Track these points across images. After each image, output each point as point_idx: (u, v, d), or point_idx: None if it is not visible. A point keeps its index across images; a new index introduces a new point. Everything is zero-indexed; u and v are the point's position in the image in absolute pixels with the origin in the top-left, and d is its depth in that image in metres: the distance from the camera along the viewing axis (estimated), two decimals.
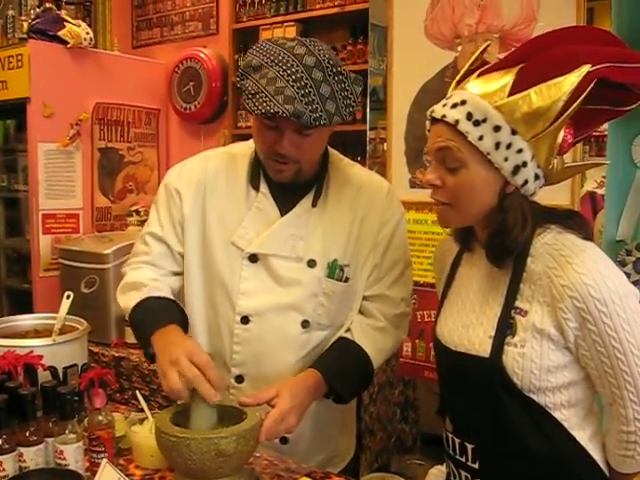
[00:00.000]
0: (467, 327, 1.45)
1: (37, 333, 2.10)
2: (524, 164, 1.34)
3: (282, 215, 1.69)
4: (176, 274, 1.77)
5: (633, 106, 1.40)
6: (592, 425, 1.42)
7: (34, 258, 3.99)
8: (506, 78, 1.34)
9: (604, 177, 2.48)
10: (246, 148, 1.78)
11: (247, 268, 1.69)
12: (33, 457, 1.48)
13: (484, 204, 1.38)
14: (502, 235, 1.37)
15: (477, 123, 1.32)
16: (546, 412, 1.36)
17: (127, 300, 1.70)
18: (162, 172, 4.61)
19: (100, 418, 1.58)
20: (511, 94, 1.32)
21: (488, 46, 1.53)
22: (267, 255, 1.67)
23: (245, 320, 1.68)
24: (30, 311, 3.36)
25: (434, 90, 2.85)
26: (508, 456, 1.39)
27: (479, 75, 1.40)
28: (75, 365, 1.92)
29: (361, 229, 1.72)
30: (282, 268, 1.68)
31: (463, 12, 2.75)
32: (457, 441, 1.47)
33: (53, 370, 1.82)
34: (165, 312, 1.64)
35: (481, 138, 1.32)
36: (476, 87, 1.38)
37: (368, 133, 3.50)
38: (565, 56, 1.31)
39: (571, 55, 1.31)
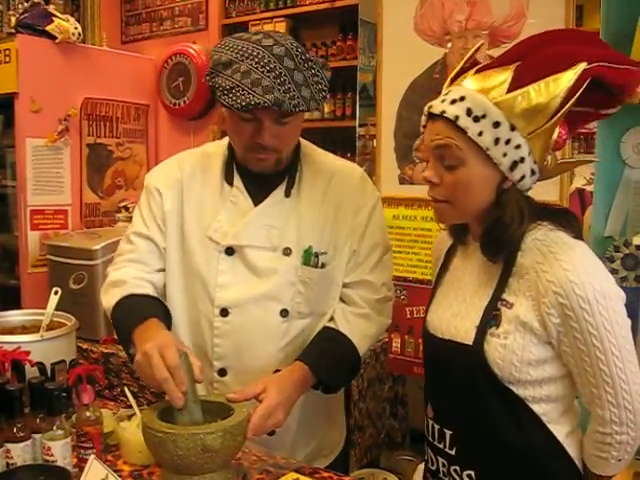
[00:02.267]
0: (455, 316, 1.47)
1: (25, 329, 2.09)
2: (522, 160, 1.35)
3: (256, 206, 1.70)
4: (162, 270, 1.78)
5: (614, 110, 1.43)
6: (570, 422, 1.44)
7: (22, 254, 3.97)
8: (504, 75, 1.35)
9: (593, 174, 2.49)
10: (219, 146, 1.81)
11: (224, 261, 1.70)
12: (20, 453, 1.48)
13: (482, 200, 1.40)
14: (499, 230, 1.39)
15: (477, 119, 1.33)
16: (524, 404, 1.38)
17: (109, 299, 1.71)
18: (151, 168, 4.55)
19: (88, 414, 1.58)
20: (510, 90, 1.33)
21: (481, 45, 1.55)
22: (243, 246, 1.69)
23: (224, 312, 1.69)
24: (18, 307, 3.33)
25: (423, 86, 2.85)
26: (484, 444, 1.41)
27: (476, 72, 1.41)
28: (63, 361, 1.91)
29: (337, 216, 1.74)
30: (258, 258, 1.69)
31: (453, 8, 2.76)
32: (437, 427, 1.49)
33: (41, 366, 1.81)
34: (146, 308, 1.64)
35: (481, 134, 1.33)
36: (474, 84, 1.39)
37: (357, 130, 3.51)
38: (562, 54, 1.33)
39: (568, 53, 1.33)
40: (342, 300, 1.78)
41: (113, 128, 4.42)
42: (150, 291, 1.71)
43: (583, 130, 3.36)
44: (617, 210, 2.36)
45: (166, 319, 1.67)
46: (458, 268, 1.56)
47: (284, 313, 1.70)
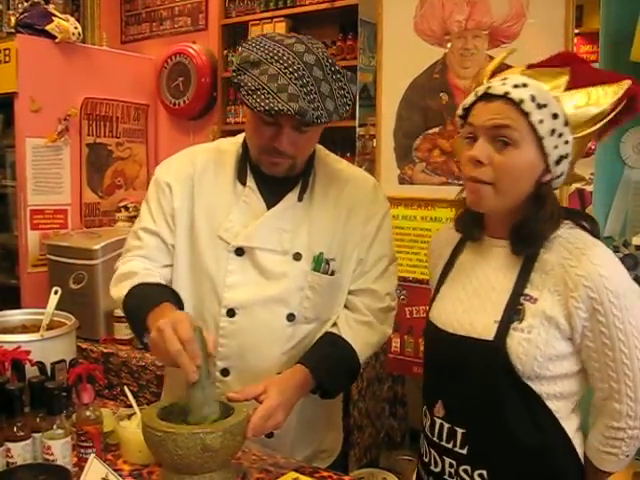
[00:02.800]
0: (469, 311, 1.47)
1: (25, 329, 2.09)
2: (567, 155, 1.39)
3: (268, 209, 1.69)
4: (169, 266, 1.76)
5: (633, 117, 1.46)
6: (577, 420, 1.45)
7: (22, 254, 3.97)
8: (561, 73, 1.40)
9: (592, 174, 2.49)
10: (233, 144, 1.79)
11: (233, 261, 1.69)
12: (21, 452, 1.48)
13: (523, 189, 1.40)
14: (533, 225, 1.39)
15: (540, 106, 1.35)
16: (541, 401, 1.38)
17: (119, 290, 1.69)
18: (151, 168, 4.60)
19: (88, 413, 1.58)
20: (568, 89, 1.38)
21: (512, 52, 1.62)
22: (253, 248, 1.68)
23: (231, 313, 1.68)
24: (18, 307, 3.33)
25: (423, 86, 2.86)
26: (497, 442, 1.41)
27: (528, 68, 1.45)
28: (63, 361, 1.91)
29: (347, 223, 1.73)
30: (268, 261, 1.68)
31: (452, 8, 2.76)
32: (446, 426, 1.47)
33: (41, 365, 1.81)
34: (159, 294, 1.61)
35: (541, 121, 1.35)
36: (532, 74, 1.42)
37: (357, 130, 3.51)
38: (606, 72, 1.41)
39: (611, 73, 1.42)
40: (346, 307, 1.77)
41: (113, 128, 4.42)
42: (160, 280, 1.70)
43: None
44: (617, 210, 2.36)
45: (179, 305, 1.64)
46: (467, 263, 1.55)
47: (291, 317, 1.69)
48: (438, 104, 2.83)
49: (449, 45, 2.78)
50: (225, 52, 4.38)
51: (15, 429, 1.48)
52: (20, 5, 4.23)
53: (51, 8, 4.07)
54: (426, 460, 1.54)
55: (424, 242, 2.81)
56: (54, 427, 1.49)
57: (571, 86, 1.38)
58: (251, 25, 4.19)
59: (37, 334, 1.94)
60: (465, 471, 1.44)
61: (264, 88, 1.49)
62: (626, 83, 1.36)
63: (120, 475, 1.45)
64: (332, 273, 1.71)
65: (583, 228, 1.43)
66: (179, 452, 1.35)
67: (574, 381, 1.41)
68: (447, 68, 2.79)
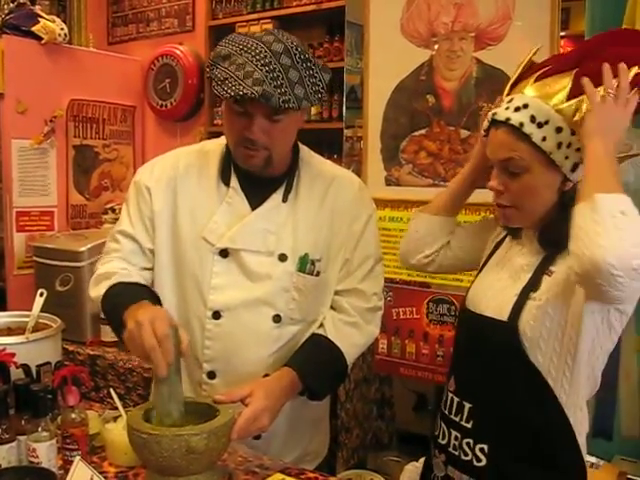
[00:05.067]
0: (498, 290, 1.53)
1: (10, 331, 2.08)
2: (582, 161, 1.40)
3: (253, 210, 1.69)
4: (147, 269, 1.76)
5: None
6: (583, 411, 1.48)
7: (8, 256, 3.94)
8: (564, 81, 1.44)
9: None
10: (217, 144, 1.79)
11: (218, 263, 1.69)
12: (5, 455, 1.47)
13: (546, 204, 1.47)
14: (561, 227, 1.39)
15: (540, 125, 1.41)
16: (548, 386, 1.42)
17: (98, 289, 1.70)
18: (138, 169, 4.57)
19: (73, 416, 1.58)
20: (570, 98, 1.41)
21: (538, 50, 1.61)
22: (238, 250, 1.68)
23: (216, 315, 1.68)
24: (4, 310, 3.33)
25: (410, 88, 2.86)
26: (501, 419, 1.47)
27: (536, 80, 1.48)
28: (49, 363, 1.91)
29: (332, 224, 1.74)
30: (253, 263, 1.68)
31: (439, 10, 2.77)
32: (456, 400, 1.55)
33: (26, 368, 1.81)
34: (137, 293, 1.62)
35: (544, 139, 1.41)
36: (535, 91, 1.47)
37: (345, 131, 3.51)
38: (617, 59, 1.39)
39: (622, 58, 1.39)
40: (332, 307, 1.77)
41: (99, 129, 4.40)
42: (140, 280, 1.70)
43: None
44: None
45: (158, 304, 1.65)
46: (505, 252, 1.61)
47: (277, 319, 1.69)
48: (424, 106, 2.83)
49: (436, 47, 2.79)
50: (211, 53, 4.35)
51: (0, 432, 1.47)
52: (6, 6, 4.19)
53: (37, 9, 4.05)
54: (436, 433, 1.62)
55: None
56: (39, 429, 1.49)
57: (574, 93, 1.41)
58: (238, 26, 4.18)
59: (22, 336, 1.93)
60: (467, 444, 1.51)
61: (232, 77, 1.52)
62: (634, 70, 1.38)
63: (106, 477, 1.45)
64: (317, 274, 1.72)
65: None
66: (164, 454, 1.35)
67: (585, 363, 1.42)
68: (434, 70, 2.79)
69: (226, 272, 1.69)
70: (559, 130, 1.41)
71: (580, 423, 1.47)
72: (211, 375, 1.72)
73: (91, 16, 4.97)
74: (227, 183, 1.71)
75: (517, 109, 1.43)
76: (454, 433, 1.55)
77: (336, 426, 2.91)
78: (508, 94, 1.54)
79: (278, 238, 1.69)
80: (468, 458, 1.51)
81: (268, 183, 1.71)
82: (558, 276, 1.42)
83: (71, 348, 3.20)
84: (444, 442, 1.58)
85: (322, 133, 3.57)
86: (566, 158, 1.42)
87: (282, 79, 1.52)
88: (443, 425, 1.59)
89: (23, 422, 1.52)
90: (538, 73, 1.49)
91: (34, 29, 3.92)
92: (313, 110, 3.92)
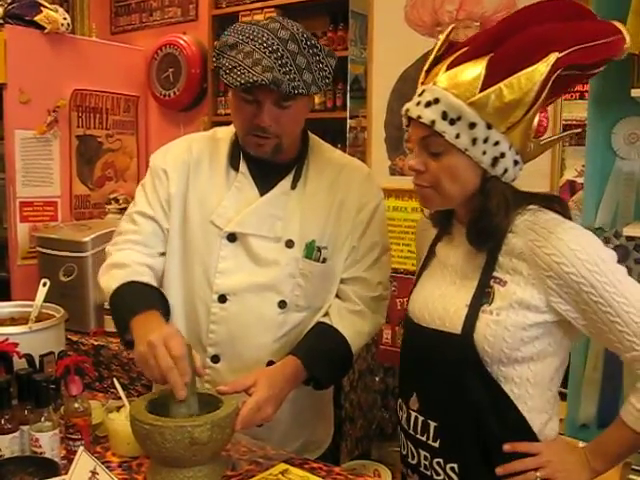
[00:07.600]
0: (442, 298, 1.46)
1: (14, 321, 2.09)
2: (502, 155, 1.35)
3: (261, 195, 1.70)
4: (163, 255, 1.76)
5: (601, 68, 1.40)
6: (550, 413, 1.44)
7: (12, 246, 3.94)
8: (476, 70, 1.33)
9: (584, 166, 2.50)
10: (228, 132, 1.79)
11: (225, 247, 1.69)
12: (8, 445, 1.47)
13: (466, 187, 1.40)
14: (485, 220, 1.38)
15: (452, 122, 1.33)
16: (509, 399, 1.38)
17: (109, 280, 1.68)
18: (141, 159, 4.59)
19: (76, 405, 1.57)
20: (483, 88, 1.32)
21: (452, 30, 1.53)
22: (245, 234, 1.68)
23: (222, 299, 1.69)
24: (9, 300, 3.33)
25: (413, 78, 2.82)
26: (467, 436, 1.41)
27: (448, 68, 1.39)
28: (52, 353, 1.90)
29: (340, 211, 1.73)
30: (260, 248, 1.68)
31: None
32: (420, 419, 1.47)
33: (29, 358, 1.80)
34: (147, 298, 1.62)
35: (458, 136, 1.34)
36: (447, 81, 1.37)
37: (349, 121, 3.50)
38: (534, 42, 1.30)
39: (539, 41, 1.30)
40: (337, 296, 1.77)
41: (103, 119, 4.39)
42: (151, 279, 1.69)
43: (574, 122, 3.36)
44: (608, 201, 2.36)
45: (165, 312, 1.65)
46: (442, 255, 1.55)
47: (282, 305, 1.69)
48: None
49: (440, 36, 2.76)
50: (215, 43, 4.34)
51: (3, 421, 1.47)
52: None
53: None
54: (404, 453, 1.56)
55: (415, 233, 2.81)
56: (42, 419, 1.49)
57: (487, 83, 1.31)
58: (241, 15, 4.17)
59: (25, 326, 1.93)
60: (438, 464, 1.45)
61: (240, 65, 1.52)
62: (552, 59, 1.27)
63: (109, 467, 1.45)
64: (324, 260, 1.71)
65: (555, 211, 1.41)
66: (167, 445, 1.34)
67: (547, 365, 1.40)
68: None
69: (233, 256, 1.69)
70: (472, 126, 1.32)
71: (552, 408, 1.44)
72: (215, 359, 1.72)
73: (94, 5, 4.95)
74: (236, 168, 1.72)
75: (428, 104, 1.35)
76: (423, 453, 1.47)
77: (340, 416, 2.91)
78: (423, 82, 1.44)
79: (285, 224, 1.69)
80: (440, 478, 1.44)
81: (277, 169, 1.71)
82: (515, 291, 1.35)
83: (75, 338, 3.21)
84: (414, 462, 1.51)
85: (326, 123, 3.55)
86: (484, 153, 1.34)
87: (290, 65, 1.53)
88: (410, 445, 1.52)
89: (26, 412, 1.52)
90: (452, 58, 1.40)
91: (37, 19, 3.91)
92: (317, 99, 3.91)
